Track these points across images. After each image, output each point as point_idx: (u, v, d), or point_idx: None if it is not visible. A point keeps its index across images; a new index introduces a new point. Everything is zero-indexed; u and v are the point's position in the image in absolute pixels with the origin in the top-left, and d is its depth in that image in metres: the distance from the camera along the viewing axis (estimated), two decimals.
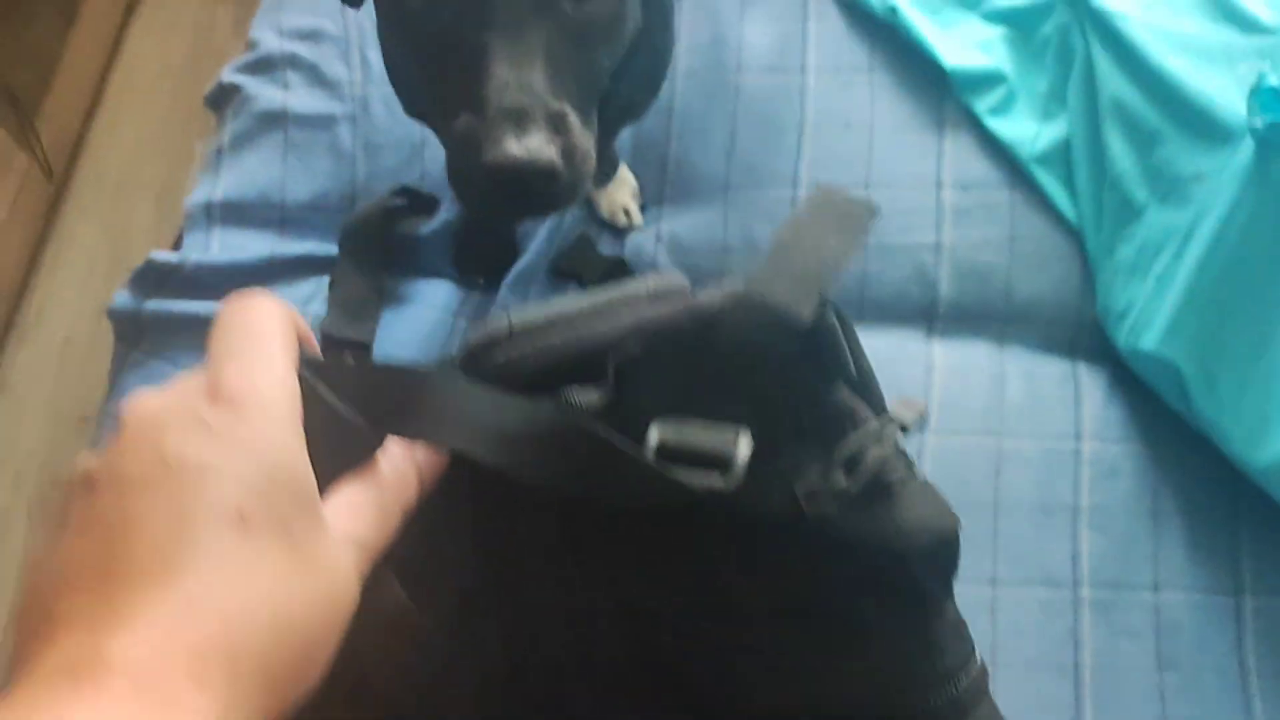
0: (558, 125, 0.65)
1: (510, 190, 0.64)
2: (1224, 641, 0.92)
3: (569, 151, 0.65)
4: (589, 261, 1.10)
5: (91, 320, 1.70)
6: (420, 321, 1.09)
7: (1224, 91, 0.96)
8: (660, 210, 1.14)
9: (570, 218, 1.13)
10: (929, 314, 1.10)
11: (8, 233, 1.64)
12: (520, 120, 0.63)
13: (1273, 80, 0.86)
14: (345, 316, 1.04)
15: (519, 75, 0.63)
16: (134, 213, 1.79)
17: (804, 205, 0.52)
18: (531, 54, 0.64)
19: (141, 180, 1.82)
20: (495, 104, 0.62)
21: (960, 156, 1.13)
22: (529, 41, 0.64)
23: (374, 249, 1.07)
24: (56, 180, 1.77)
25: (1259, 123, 0.87)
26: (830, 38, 1.19)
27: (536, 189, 0.64)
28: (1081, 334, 1.08)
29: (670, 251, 1.11)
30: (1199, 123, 0.97)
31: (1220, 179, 0.94)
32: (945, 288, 1.09)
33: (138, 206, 1.80)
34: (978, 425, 1.02)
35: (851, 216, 0.50)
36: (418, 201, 1.12)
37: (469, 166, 0.65)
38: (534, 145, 0.62)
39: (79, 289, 1.73)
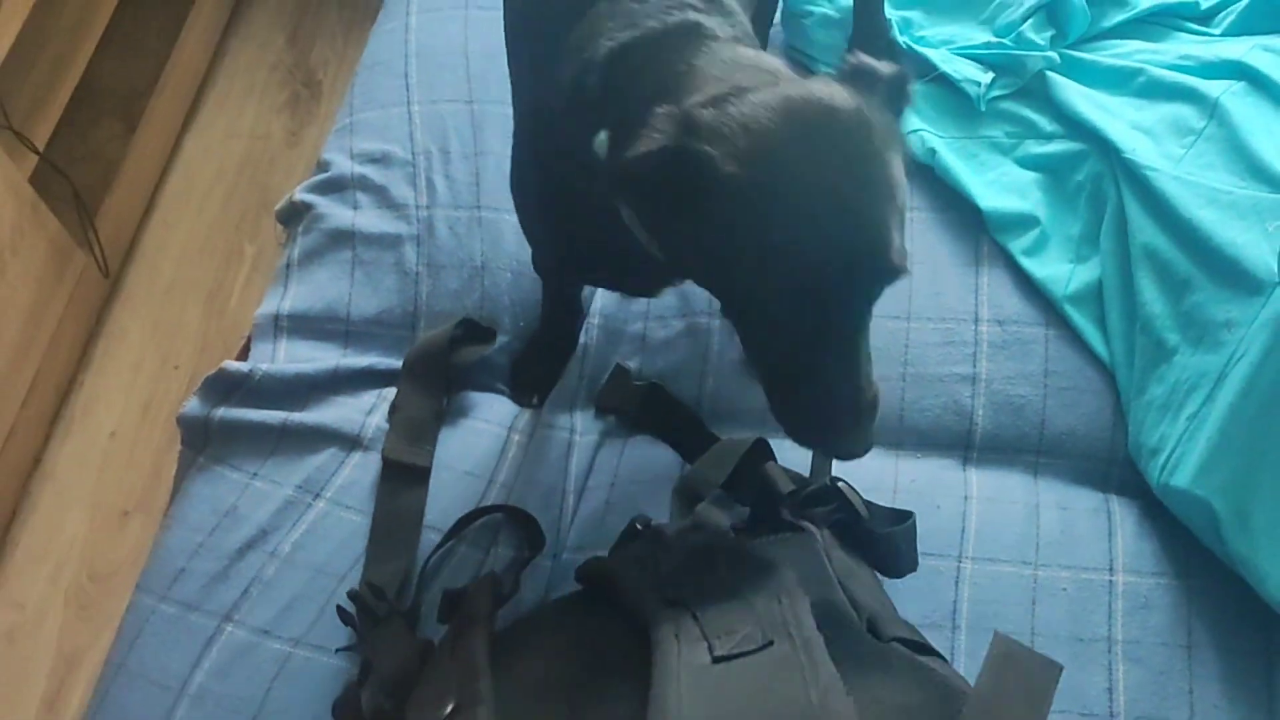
0: None
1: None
2: None
3: None
4: (626, 393, 1.15)
5: (137, 416, 1.75)
6: (478, 435, 1.13)
7: (1254, 245, 1.02)
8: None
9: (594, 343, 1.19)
10: (965, 443, 1.14)
11: (62, 327, 1.69)
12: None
13: None
14: (405, 440, 1.09)
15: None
16: (183, 313, 1.85)
17: (990, 665, 0.63)
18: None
19: (192, 281, 1.88)
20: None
21: (997, 293, 1.19)
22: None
23: (435, 375, 1.12)
24: (111, 278, 1.83)
25: None
26: None
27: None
28: (1114, 468, 1.11)
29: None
30: (1229, 273, 1.03)
31: (1251, 327, 0.99)
32: (981, 418, 1.13)
33: (187, 307, 1.85)
34: (1014, 555, 1.05)
35: (1037, 679, 0.62)
36: (477, 332, 1.17)
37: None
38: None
39: (126, 385, 1.77)
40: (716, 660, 0.62)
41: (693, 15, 0.78)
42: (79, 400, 1.75)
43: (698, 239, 0.69)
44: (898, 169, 0.70)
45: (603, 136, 0.75)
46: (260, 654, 0.97)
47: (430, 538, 1.05)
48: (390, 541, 1.03)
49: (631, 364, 1.17)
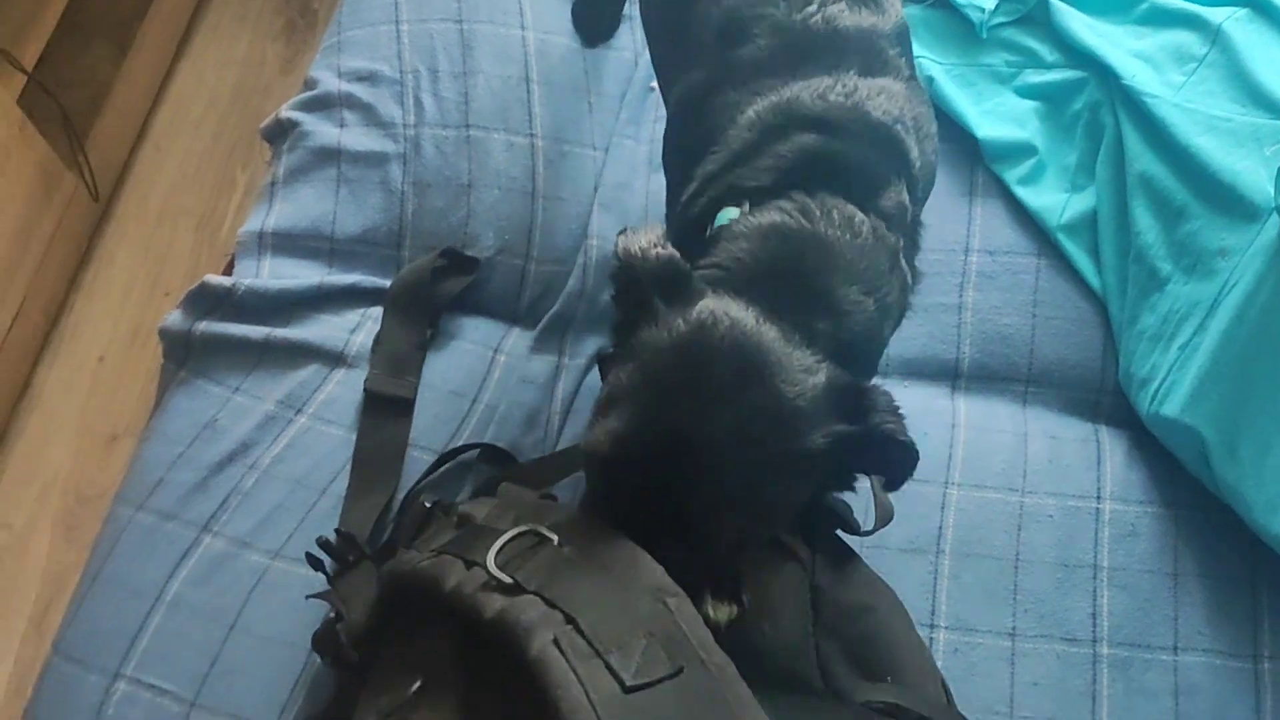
0: None
1: None
2: (1243, 706, 0.93)
3: None
4: None
5: (125, 342, 1.74)
6: (463, 356, 1.12)
7: (1251, 171, 1.00)
8: None
9: (593, 264, 1.17)
10: (953, 372, 1.13)
11: (51, 250, 1.67)
12: None
13: None
14: (388, 371, 1.08)
15: None
16: (174, 240, 1.83)
17: None
18: None
19: (183, 208, 1.86)
20: None
21: (989, 223, 1.17)
22: None
23: (418, 307, 1.11)
24: (101, 202, 1.81)
25: None
26: None
27: None
28: (1103, 398, 1.10)
29: None
30: (1225, 200, 1.01)
31: (1246, 254, 0.97)
32: (969, 348, 1.12)
33: (178, 234, 1.83)
34: (1000, 482, 1.04)
35: None
36: (459, 262, 1.16)
37: None
38: None
39: (115, 310, 1.76)
40: (629, 690, 0.56)
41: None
42: (68, 324, 1.74)
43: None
44: (786, 475, 0.66)
45: (733, 213, 0.77)
46: (238, 565, 0.97)
47: (414, 455, 1.05)
48: (373, 473, 1.02)
49: None
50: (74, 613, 0.96)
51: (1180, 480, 1.03)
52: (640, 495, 0.65)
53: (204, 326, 1.09)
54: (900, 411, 0.67)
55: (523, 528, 0.67)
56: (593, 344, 1.14)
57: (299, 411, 1.06)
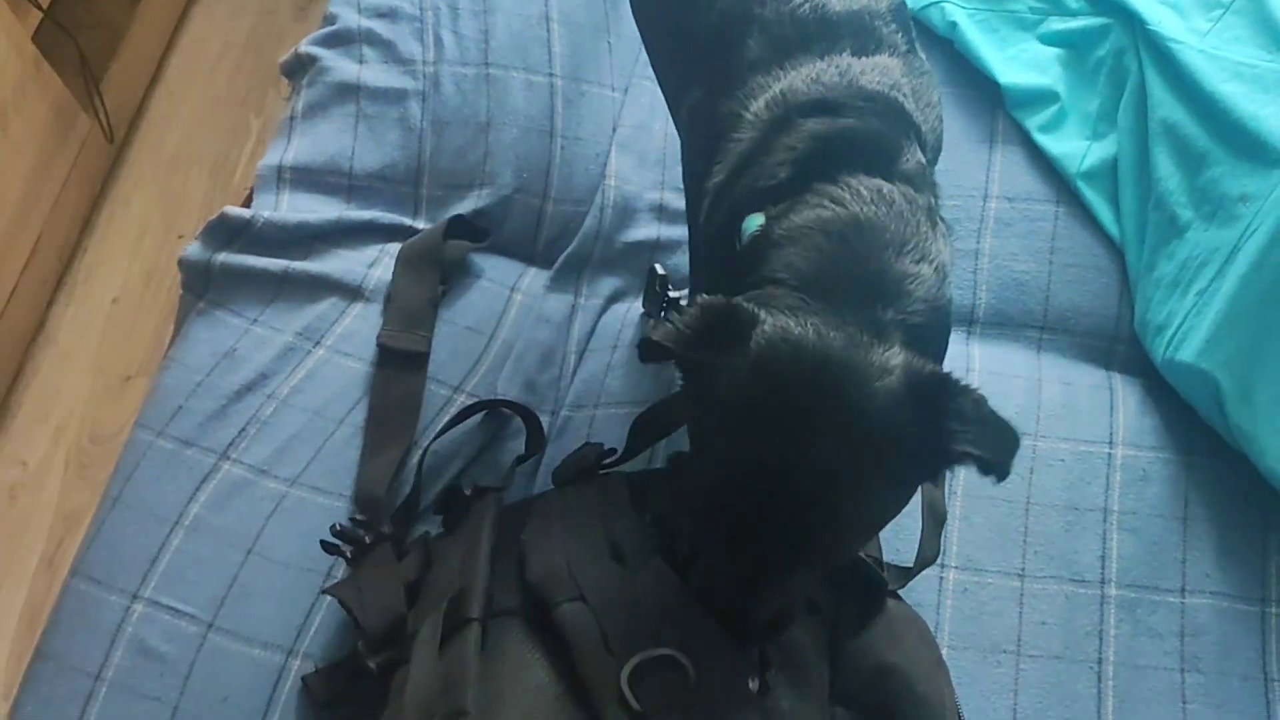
0: None
1: None
2: (1248, 648, 0.94)
3: None
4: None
5: (139, 283, 1.74)
6: (481, 293, 1.12)
7: (1275, 117, 1.00)
8: None
9: (610, 205, 1.17)
10: (969, 318, 1.13)
11: (66, 191, 1.67)
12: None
13: None
14: (401, 326, 1.08)
15: None
16: (188, 183, 1.83)
17: None
18: None
19: (197, 152, 1.86)
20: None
21: (1009, 170, 1.17)
22: None
23: (430, 265, 1.11)
24: (116, 145, 1.81)
25: None
26: None
27: None
28: (1119, 345, 1.11)
29: None
30: (1248, 146, 1.01)
31: (1267, 201, 0.97)
32: (984, 294, 1.13)
33: (192, 177, 1.84)
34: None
35: None
36: (470, 230, 1.16)
37: None
38: None
39: (129, 252, 1.77)
40: None
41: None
42: (82, 266, 1.74)
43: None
44: (893, 489, 0.64)
45: (758, 220, 0.73)
46: (256, 491, 0.98)
47: (430, 390, 1.05)
48: (388, 427, 1.02)
49: (648, 231, 1.16)
50: (93, 535, 0.97)
51: (1193, 427, 1.04)
52: (752, 539, 0.63)
53: (223, 258, 1.09)
54: (982, 398, 0.61)
55: (659, 652, 0.67)
56: (608, 284, 1.14)
57: (317, 343, 1.07)
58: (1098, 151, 1.14)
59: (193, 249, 1.10)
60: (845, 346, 0.62)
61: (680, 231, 1.15)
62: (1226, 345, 0.97)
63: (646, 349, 0.65)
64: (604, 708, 0.66)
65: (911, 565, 0.87)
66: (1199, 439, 1.03)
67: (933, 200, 0.76)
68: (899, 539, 0.93)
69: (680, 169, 1.00)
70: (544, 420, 1.06)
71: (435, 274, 1.10)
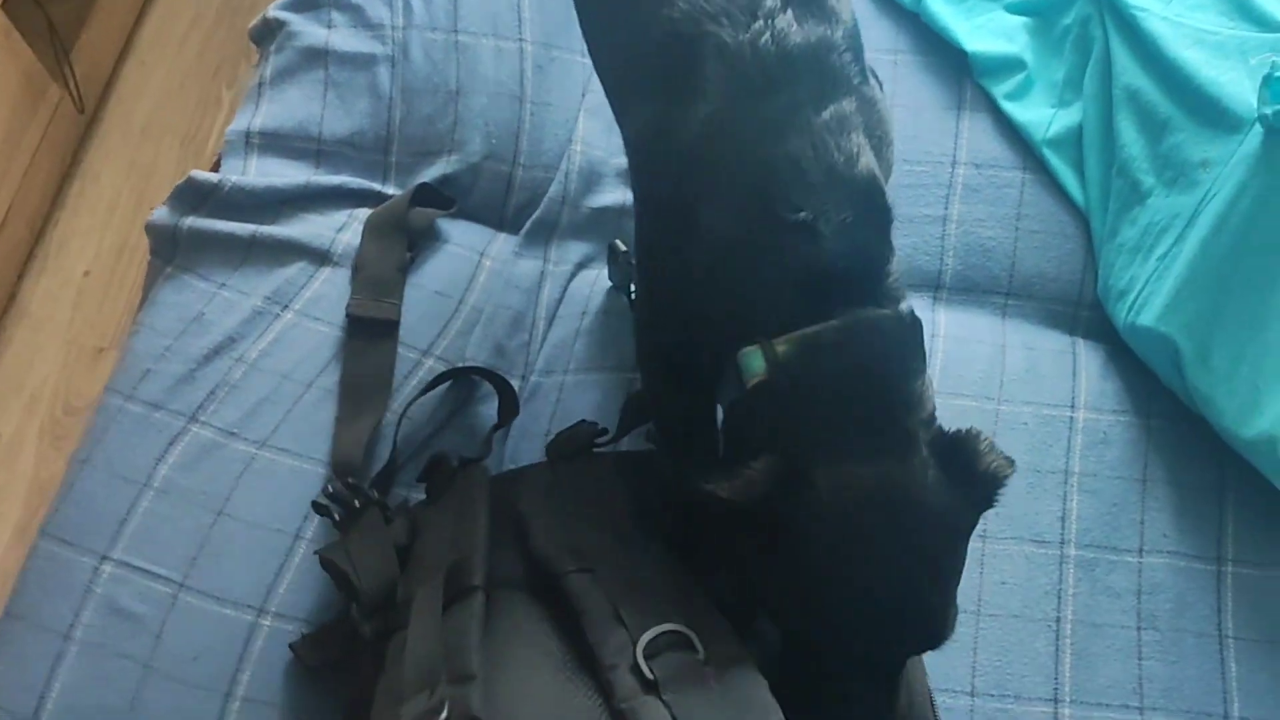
0: None
1: None
2: (1204, 606, 0.95)
3: None
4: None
5: (111, 256, 1.73)
6: (449, 258, 1.13)
7: (1236, 83, 1.01)
8: None
9: (576, 170, 1.17)
10: (935, 283, 1.14)
11: (36, 162, 1.66)
12: None
13: None
14: (370, 294, 1.07)
15: None
16: (159, 155, 1.82)
17: None
18: None
19: (167, 124, 1.85)
20: None
21: (976, 137, 1.18)
22: None
23: (396, 234, 1.11)
24: (86, 116, 1.80)
25: (1268, 110, 0.92)
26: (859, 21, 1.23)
27: None
28: (1082, 311, 1.12)
29: None
30: (1210, 111, 1.02)
31: (1227, 165, 0.98)
32: (951, 259, 1.14)
33: (163, 150, 1.83)
34: (977, 390, 1.06)
35: None
36: (436, 197, 1.16)
37: None
38: None
39: (101, 225, 1.76)
40: None
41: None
42: (53, 238, 1.73)
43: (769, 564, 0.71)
44: (961, 555, 0.72)
45: (758, 359, 0.71)
46: (226, 453, 0.98)
47: (398, 353, 1.06)
48: (361, 397, 1.02)
49: (614, 196, 1.17)
50: (63, 496, 0.97)
51: (1154, 391, 1.05)
52: (894, 658, 0.73)
53: (190, 222, 1.09)
54: (995, 447, 0.73)
55: (672, 627, 0.69)
56: (577, 250, 1.15)
57: (285, 307, 1.07)
58: (1063, 119, 1.15)
59: (160, 213, 1.10)
60: (896, 468, 0.69)
61: None
62: (1185, 309, 0.98)
63: (713, 503, 0.68)
64: (616, 676, 0.66)
65: None
66: (1159, 402, 1.05)
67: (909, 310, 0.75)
68: None
69: None
70: (514, 385, 1.07)
71: (402, 242, 1.10)
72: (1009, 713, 0.92)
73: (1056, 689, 0.93)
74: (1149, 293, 1.03)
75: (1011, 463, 0.73)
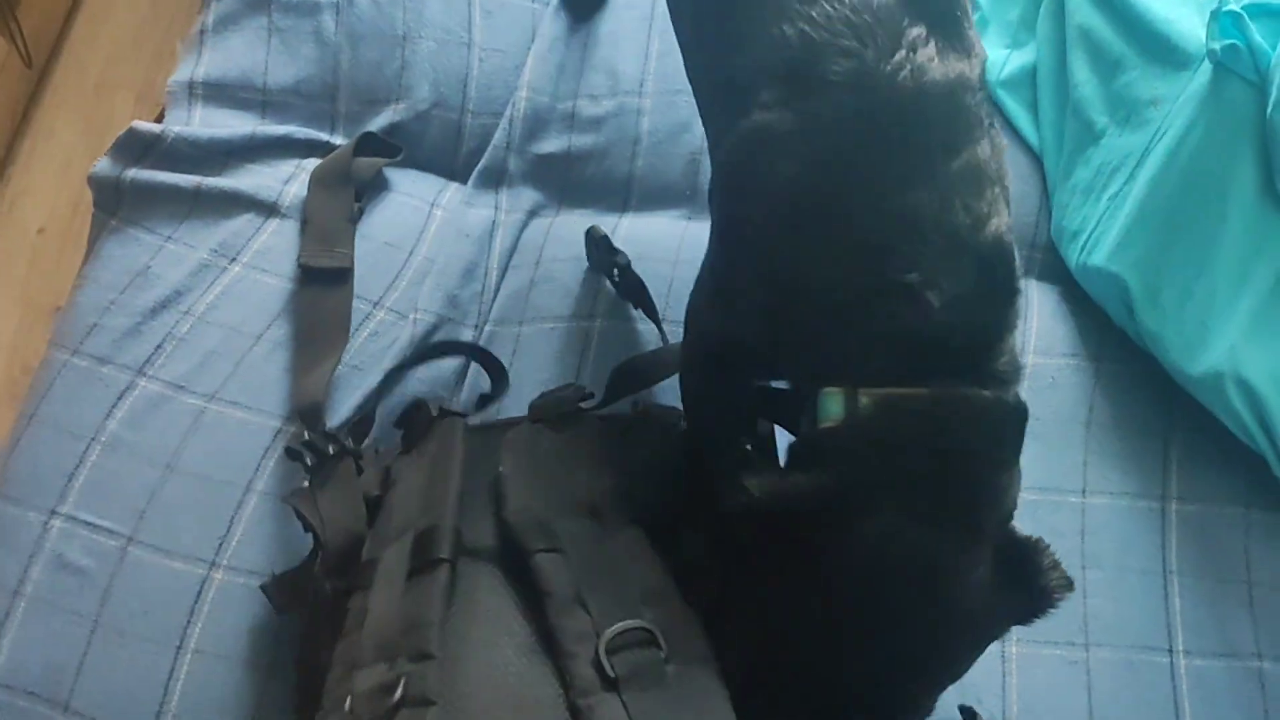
0: None
1: None
2: (1148, 544, 0.96)
3: None
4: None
5: (66, 214, 1.71)
6: (399, 209, 1.12)
7: (1187, 19, 1.00)
8: None
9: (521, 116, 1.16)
10: None
11: None
12: None
13: (1231, 5, 0.90)
14: (320, 245, 1.06)
15: None
16: (113, 111, 1.79)
17: None
18: None
19: (121, 79, 1.81)
20: None
21: None
22: None
23: (342, 184, 1.09)
24: (36, 72, 1.76)
25: (1216, 46, 0.91)
26: None
27: None
28: (1036, 254, 1.12)
29: None
30: (1160, 49, 1.01)
31: (1177, 103, 0.98)
32: None
33: (117, 105, 1.79)
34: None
35: None
36: (382, 146, 1.14)
37: None
38: None
39: (55, 183, 1.73)
40: None
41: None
42: (6, 196, 1.70)
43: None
44: (967, 662, 0.70)
45: (838, 404, 0.67)
46: (174, 407, 0.98)
47: (355, 305, 1.05)
48: (319, 344, 1.01)
49: (560, 143, 1.15)
50: (9, 453, 0.96)
51: (1105, 333, 1.05)
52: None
53: (134, 174, 1.08)
54: (1058, 562, 0.71)
55: (637, 624, 0.67)
56: (529, 198, 1.14)
57: (233, 260, 1.06)
58: (1017, 59, 1.15)
59: (102, 165, 1.08)
60: (947, 551, 0.66)
61: (591, 140, 1.14)
62: (1135, 247, 0.98)
63: (742, 502, 0.65)
64: (576, 666, 0.65)
65: None
66: (1109, 344, 1.05)
67: (1015, 396, 0.70)
68: None
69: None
70: (468, 335, 1.07)
71: (349, 192, 1.09)
72: None
73: None
74: (1100, 233, 1.02)
75: (1070, 584, 0.70)
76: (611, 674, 0.64)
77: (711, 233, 0.78)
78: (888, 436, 0.65)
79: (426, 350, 1.02)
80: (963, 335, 0.66)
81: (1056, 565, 0.70)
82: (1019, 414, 0.69)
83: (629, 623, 0.67)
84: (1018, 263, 0.70)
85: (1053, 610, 0.70)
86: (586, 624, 0.67)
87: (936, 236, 0.64)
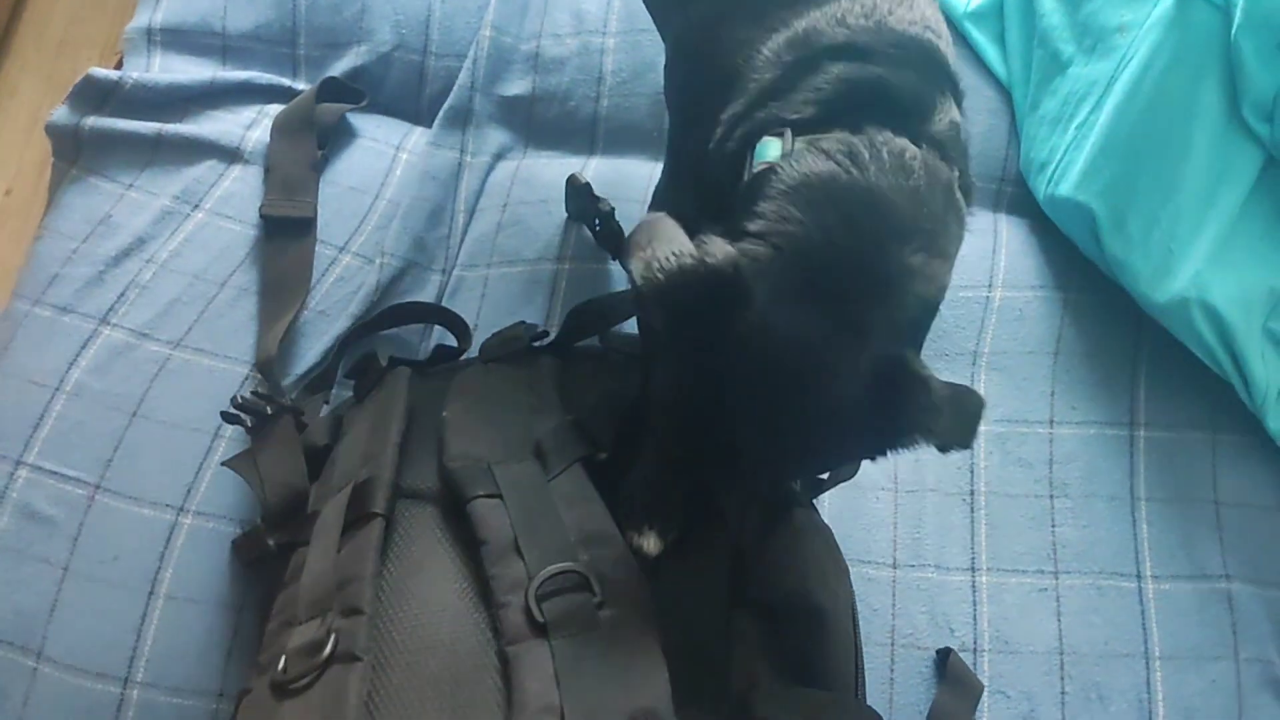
0: None
1: None
2: (1116, 470, 0.97)
3: None
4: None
5: (33, 175, 1.68)
6: (364, 153, 1.11)
7: None
8: None
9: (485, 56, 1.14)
10: None
11: None
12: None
13: None
14: (283, 194, 1.05)
15: None
16: (77, 70, 1.73)
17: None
18: None
19: (84, 37, 1.79)
20: None
21: None
22: None
23: (305, 131, 1.08)
24: None
25: None
26: None
27: None
28: (1005, 186, 1.12)
29: None
30: None
31: (1143, 28, 0.97)
32: None
33: (81, 62, 1.76)
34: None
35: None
36: (345, 91, 1.13)
37: None
38: None
39: (21, 143, 1.70)
40: None
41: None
42: None
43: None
44: (843, 445, 0.68)
45: (775, 147, 0.68)
46: (138, 354, 0.97)
47: (320, 251, 1.04)
48: (282, 295, 1.00)
49: (524, 84, 1.14)
50: None
51: (1073, 264, 1.05)
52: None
53: (92, 122, 1.06)
54: (938, 383, 0.63)
55: (568, 566, 0.67)
56: (495, 140, 1.13)
57: (196, 207, 1.04)
58: None
59: (60, 113, 1.07)
60: (827, 341, 0.63)
61: (555, 82, 1.13)
62: (1102, 175, 0.98)
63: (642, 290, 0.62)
64: (507, 614, 0.65)
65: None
66: (1077, 276, 1.05)
67: (959, 171, 0.71)
68: None
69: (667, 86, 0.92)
70: (436, 279, 1.06)
71: (311, 139, 1.08)
72: (930, 580, 0.94)
73: (974, 558, 0.95)
74: (1067, 162, 1.02)
75: (952, 440, 0.64)
76: (541, 619, 0.63)
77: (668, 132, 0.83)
78: (802, 184, 0.65)
79: (387, 314, 1.00)
80: (891, 87, 0.69)
81: (936, 411, 0.62)
82: (945, 186, 0.68)
83: (560, 565, 0.66)
84: (951, 61, 0.74)
85: (906, 452, 0.65)
86: (520, 571, 0.66)
87: (880, 33, 0.71)
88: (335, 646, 0.64)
